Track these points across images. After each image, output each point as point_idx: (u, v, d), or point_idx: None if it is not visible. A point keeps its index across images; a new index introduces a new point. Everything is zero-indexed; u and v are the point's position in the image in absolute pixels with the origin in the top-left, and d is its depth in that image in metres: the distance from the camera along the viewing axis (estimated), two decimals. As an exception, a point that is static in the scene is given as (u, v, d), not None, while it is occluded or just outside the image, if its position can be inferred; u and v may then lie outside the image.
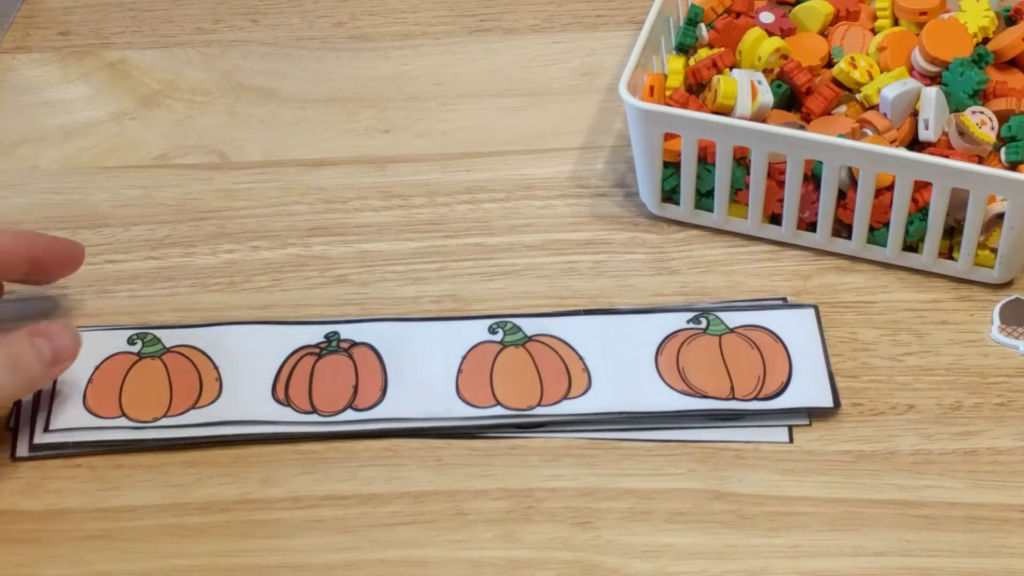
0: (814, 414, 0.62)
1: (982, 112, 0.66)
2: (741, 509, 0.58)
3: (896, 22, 0.73)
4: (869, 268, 0.68)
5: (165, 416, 0.62)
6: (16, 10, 0.87)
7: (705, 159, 0.68)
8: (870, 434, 0.61)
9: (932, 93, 0.66)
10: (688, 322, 0.65)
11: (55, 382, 0.62)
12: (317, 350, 0.64)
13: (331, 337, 0.64)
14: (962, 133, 0.66)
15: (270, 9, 0.86)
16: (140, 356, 0.64)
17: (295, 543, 0.58)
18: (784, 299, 0.66)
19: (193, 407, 0.62)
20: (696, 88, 0.70)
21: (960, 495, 0.59)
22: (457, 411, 0.62)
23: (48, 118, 0.79)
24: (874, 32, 0.73)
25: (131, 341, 0.64)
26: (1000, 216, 0.64)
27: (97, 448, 0.61)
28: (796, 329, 0.64)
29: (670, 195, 0.70)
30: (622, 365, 0.63)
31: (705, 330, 0.64)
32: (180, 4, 0.87)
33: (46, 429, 0.61)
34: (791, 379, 0.62)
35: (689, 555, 0.57)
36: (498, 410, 0.62)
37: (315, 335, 0.65)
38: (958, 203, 0.64)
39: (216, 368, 0.63)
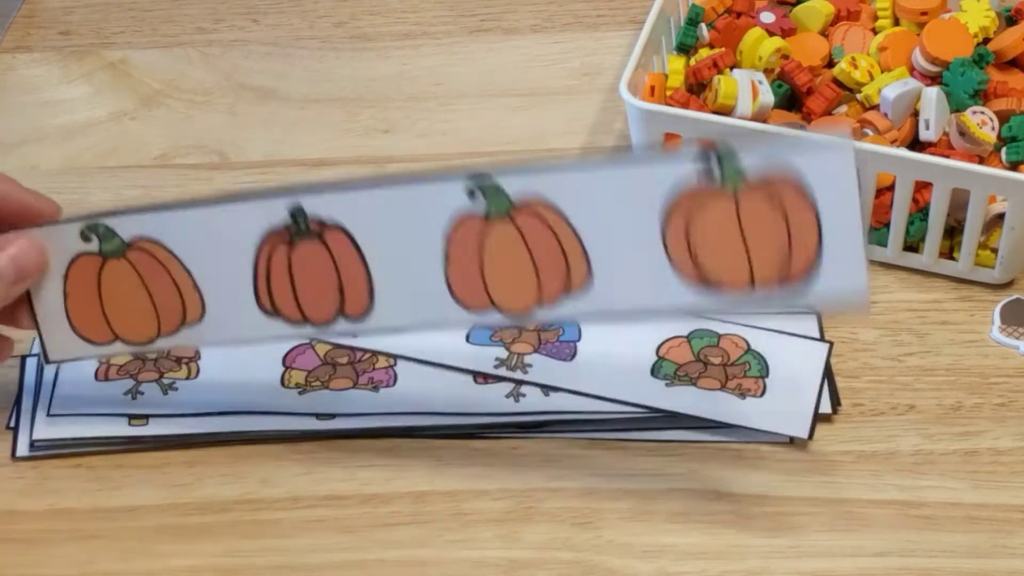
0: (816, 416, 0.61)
1: (983, 112, 0.66)
2: (741, 509, 0.58)
3: (897, 22, 0.73)
4: (870, 268, 0.67)
5: (159, 337, 0.60)
6: (16, 10, 0.87)
7: (705, 159, 0.67)
8: (870, 434, 0.61)
9: (933, 93, 0.66)
10: (697, 164, 0.53)
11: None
12: (287, 235, 0.57)
13: (297, 216, 0.57)
14: (963, 133, 0.66)
15: (270, 9, 0.86)
16: (103, 256, 0.60)
17: (295, 543, 0.58)
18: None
19: (183, 325, 0.60)
20: (697, 88, 0.70)
21: (961, 495, 0.58)
22: (454, 316, 0.57)
23: (48, 118, 0.79)
24: (875, 32, 0.73)
25: (85, 237, 0.60)
26: (1000, 216, 0.64)
27: (98, 444, 0.61)
28: (829, 181, 0.52)
29: (670, 195, 0.70)
30: (626, 244, 0.55)
31: (722, 182, 0.53)
32: (180, 4, 0.87)
33: (51, 402, 0.62)
34: (821, 259, 0.53)
35: (689, 555, 0.57)
36: (495, 316, 0.57)
37: (278, 212, 0.57)
38: (959, 203, 0.64)
39: (188, 272, 0.59)
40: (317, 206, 0.57)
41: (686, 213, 0.53)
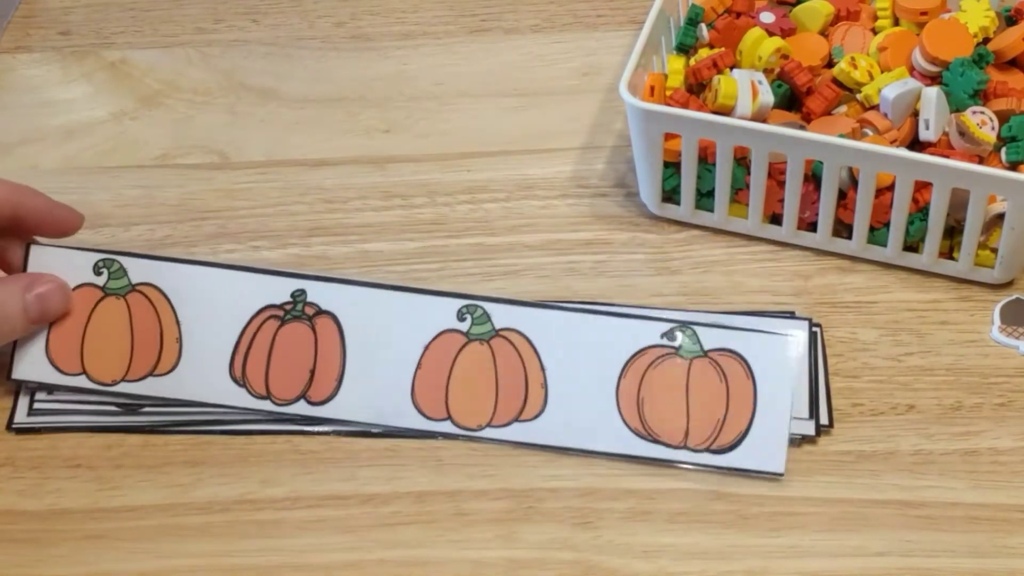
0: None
1: (982, 112, 0.66)
2: (741, 509, 0.58)
3: (896, 22, 0.73)
4: (869, 268, 0.68)
5: (123, 380, 0.62)
6: (16, 10, 0.87)
7: (705, 159, 0.68)
8: (870, 434, 0.61)
9: (932, 93, 0.66)
10: (662, 336, 0.62)
11: None
12: (282, 313, 0.63)
13: (297, 297, 0.63)
14: (963, 133, 0.66)
15: (270, 9, 0.86)
16: (105, 292, 0.63)
17: (295, 543, 0.58)
18: (791, 313, 0.65)
19: (151, 374, 0.62)
20: (697, 88, 0.70)
21: (960, 495, 0.59)
22: (407, 420, 0.61)
23: (48, 118, 0.79)
24: (875, 32, 0.73)
25: (97, 270, 0.64)
26: (1000, 216, 0.64)
27: (92, 408, 0.62)
28: (769, 363, 0.60)
29: (670, 195, 0.70)
30: (582, 383, 0.61)
31: (678, 351, 0.61)
32: (180, 4, 0.87)
33: (8, 376, 0.63)
34: (749, 432, 0.60)
35: (689, 555, 0.57)
36: (447, 426, 0.61)
37: (282, 291, 0.63)
38: (958, 203, 0.64)
39: (178, 323, 0.63)
40: (319, 293, 0.62)
41: (642, 369, 0.61)
